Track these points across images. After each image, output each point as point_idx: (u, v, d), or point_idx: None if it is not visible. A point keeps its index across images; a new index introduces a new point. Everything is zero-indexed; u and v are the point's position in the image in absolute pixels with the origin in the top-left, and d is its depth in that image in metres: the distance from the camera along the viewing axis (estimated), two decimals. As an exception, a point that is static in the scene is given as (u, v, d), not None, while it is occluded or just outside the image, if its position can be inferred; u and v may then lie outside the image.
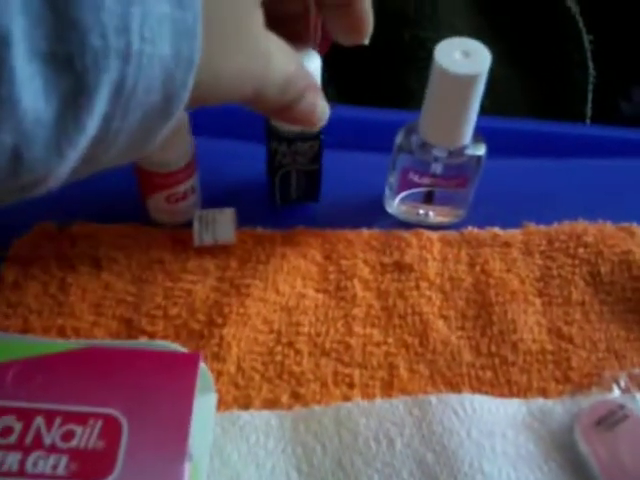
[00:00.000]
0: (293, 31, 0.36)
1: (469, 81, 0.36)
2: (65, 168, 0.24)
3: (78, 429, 0.30)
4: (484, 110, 0.62)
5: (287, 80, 0.31)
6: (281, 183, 0.43)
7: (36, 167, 0.23)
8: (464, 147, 0.40)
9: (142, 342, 0.37)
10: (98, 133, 0.24)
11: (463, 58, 0.36)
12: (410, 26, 0.63)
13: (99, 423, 0.30)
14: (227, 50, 0.27)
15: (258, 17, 0.29)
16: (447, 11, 0.63)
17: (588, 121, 0.62)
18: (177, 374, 0.31)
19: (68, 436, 0.29)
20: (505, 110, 0.63)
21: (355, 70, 0.63)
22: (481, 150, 0.40)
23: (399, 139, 0.41)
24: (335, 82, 0.61)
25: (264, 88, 0.30)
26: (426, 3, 0.64)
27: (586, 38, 0.62)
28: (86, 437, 0.29)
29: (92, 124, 0.23)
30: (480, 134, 0.40)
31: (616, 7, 0.64)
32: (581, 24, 0.62)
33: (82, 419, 0.30)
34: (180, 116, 0.26)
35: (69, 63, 0.21)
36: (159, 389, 0.31)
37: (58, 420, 0.30)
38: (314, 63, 0.36)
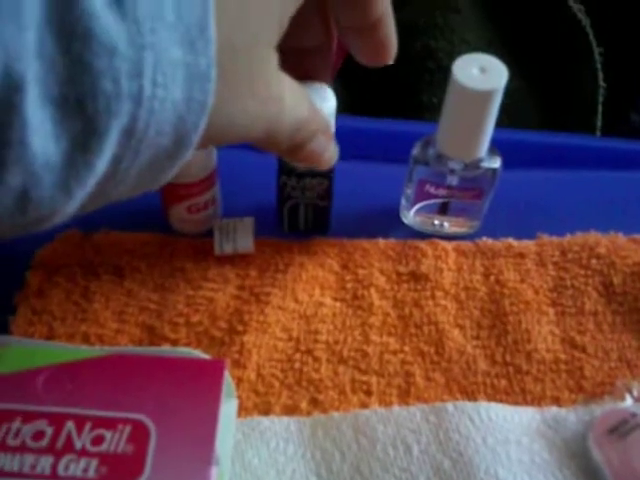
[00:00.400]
0: (310, 65, 0.36)
1: (486, 96, 0.37)
2: (72, 206, 0.24)
3: (107, 434, 0.30)
4: (496, 122, 0.63)
5: (299, 124, 0.31)
6: (289, 214, 0.44)
7: (43, 206, 0.23)
8: (480, 160, 0.41)
9: (165, 349, 0.38)
10: (107, 173, 0.24)
11: (480, 74, 0.37)
12: (421, 36, 0.64)
13: (128, 428, 0.31)
14: (240, 94, 0.28)
15: (272, 60, 0.29)
16: (457, 22, 0.64)
17: (598, 133, 0.63)
18: (203, 380, 0.32)
19: (98, 440, 0.30)
20: (517, 122, 0.64)
21: (365, 79, 0.64)
22: (496, 163, 0.41)
23: (416, 151, 0.41)
24: (345, 91, 0.63)
25: (276, 132, 0.30)
26: (437, 14, 0.65)
27: (596, 50, 0.63)
28: (115, 441, 0.30)
29: (101, 165, 0.23)
30: (495, 147, 0.41)
31: (626, 20, 0.65)
32: (591, 36, 0.63)
33: (111, 424, 0.31)
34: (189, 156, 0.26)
35: (80, 107, 0.21)
36: (186, 395, 0.32)
37: (88, 425, 0.31)
38: (329, 102, 0.36)
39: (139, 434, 0.30)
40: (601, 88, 0.63)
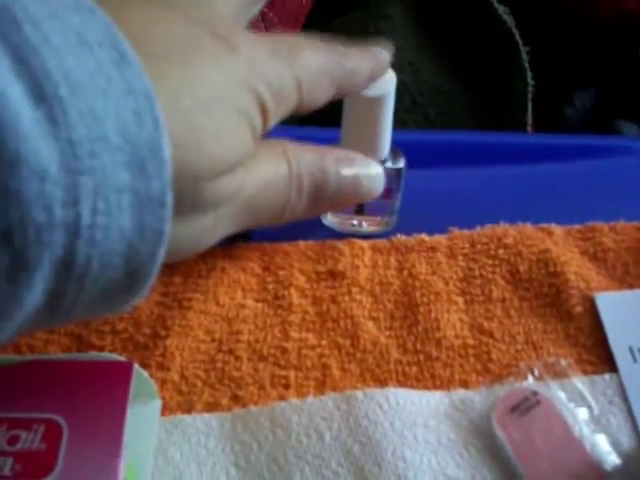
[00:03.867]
0: None
1: (378, 101, 0.39)
2: (6, 331, 0.22)
3: (23, 433, 0.33)
4: (430, 120, 0.65)
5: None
6: None
7: None
8: (383, 161, 0.43)
9: (88, 354, 0.40)
10: (46, 306, 0.22)
11: (371, 80, 0.39)
12: (354, 44, 0.67)
13: (42, 427, 0.33)
14: None
15: None
16: (388, 28, 0.67)
17: (529, 129, 0.65)
18: (112, 381, 0.35)
19: (13, 440, 0.32)
20: (451, 122, 0.66)
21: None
22: (400, 163, 0.43)
23: (325, 157, 0.44)
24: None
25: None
26: (369, 23, 0.67)
27: (523, 50, 0.65)
28: (30, 440, 0.32)
29: (33, 299, 0.21)
30: (398, 147, 0.43)
31: (552, 18, 0.68)
32: (517, 36, 0.65)
33: (27, 424, 0.33)
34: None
35: (8, 238, 0.19)
36: (96, 394, 0.34)
37: (4, 426, 0.33)
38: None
39: (52, 432, 0.33)
40: (530, 86, 0.65)
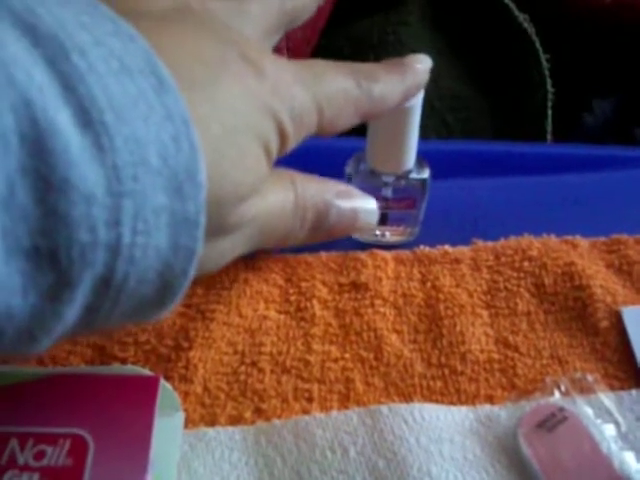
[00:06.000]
0: None
1: (405, 112, 0.39)
2: (40, 346, 0.23)
3: (49, 449, 0.32)
4: (449, 126, 0.65)
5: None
6: None
7: (5, 350, 0.22)
8: (409, 172, 0.43)
9: (112, 367, 0.40)
10: (81, 320, 0.22)
11: (398, 91, 0.39)
12: (374, 51, 0.67)
13: (67, 442, 0.33)
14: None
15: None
16: (407, 35, 0.66)
17: (549, 137, 0.65)
18: (139, 395, 0.34)
19: (40, 455, 0.32)
20: (471, 129, 0.66)
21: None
22: (425, 174, 0.43)
23: (349, 168, 0.44)
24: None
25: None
26: (389, 31, 0.67)
27: (543, 57, 0.65)
28: (56, 455, 0.32)
29: (72, 314, 0.22)
30: (424, 158, 0.43)
31: (571, 26, 0.67)
32: (537, 44, 0.65)
33: (52, 439, 0.33)
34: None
35: (53, 258, 0.20)
36: (122, 409, 0.34)
37: (31, 441, 0.33)
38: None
39: (78, 448, 0.32)
40: (549, 93, 0.65)
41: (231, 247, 0.33)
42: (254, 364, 0.41)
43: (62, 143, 0.19)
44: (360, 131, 0.42)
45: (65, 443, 0.33)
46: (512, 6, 0.65)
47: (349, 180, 0.44)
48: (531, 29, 0.65)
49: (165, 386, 0.37)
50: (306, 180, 0.38)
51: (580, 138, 0.70)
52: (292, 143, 0.32)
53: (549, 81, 0.65)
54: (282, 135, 0.31)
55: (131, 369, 0.38)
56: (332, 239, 0.43)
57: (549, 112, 0.65)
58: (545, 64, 0.65)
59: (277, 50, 0.57)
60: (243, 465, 0.38)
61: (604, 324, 0.42)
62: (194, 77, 0.26)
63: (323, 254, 0.46)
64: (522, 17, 0.65)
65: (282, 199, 0.35)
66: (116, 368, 0.39)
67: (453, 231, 0.47)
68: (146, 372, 0.38)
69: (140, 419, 0.34)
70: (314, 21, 0.64)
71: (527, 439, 0.38)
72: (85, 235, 0.20)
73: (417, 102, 0.39)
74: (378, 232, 0.47)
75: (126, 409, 0.34)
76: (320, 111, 0.33)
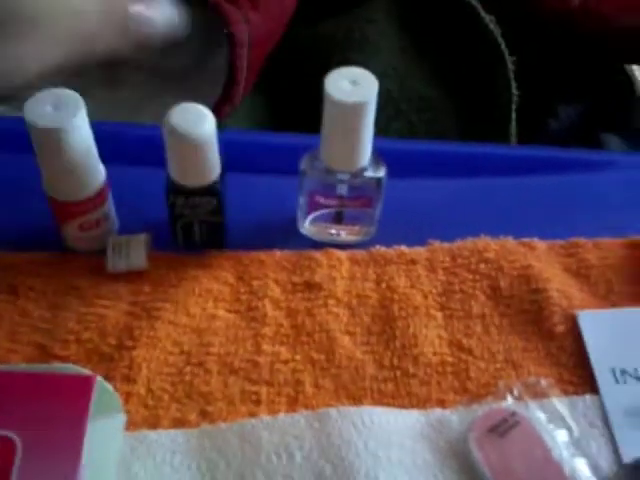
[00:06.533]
0: None
1: (358, 108, 0.38)
2: None
3: (-26, 451, 0.31)
4: (414, 126, 0.64)
5: None
6: (183, 232, 0.44)
7: None
8: (364, 169, 0.42)
9: (50, 366, 0.38)
10: None
11: (352, 86, 0.38)
12: (339, 49, 0.66)
13: (-6, 444, 0.31)
14: None
15: None
16: (372, 32, 0.65)
17: (513, 140, 0.64)
18: (73, 395, 0.33)
19: (-35, 457, 0.31)
20: (435, 129, 0.65)
21: (284, 92, 0.65)
22: (381, 172, 0.42)
23: (303, 164, 0.42)
24: (264, 104, 0.64)
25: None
26: (355, 28, 0.66)
27: (509, 59, 0.64)
28: (-19, 458, 0.31)
29: None
30: (381, 157, 0.42)
31: (537, 29, 0.67)
32: (503, 46, 0.64)
33: (-21, 441, 0.31)
34: None
35: None
36: (54, 410, 0.32)
37: (-44, 442, 0.31)
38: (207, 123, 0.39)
39: (4, 450, 0.31)
40: (514, 96, 0.64)
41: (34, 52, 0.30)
42: (200, 365, 0.40)
43: None
44: (314, 128, 0.41)
45: (-8, 445, 0.31)
46: (479, 7, 0.64)
47: (304, 176, 0.43)
48: (497, 30, 0.64)
49: (105, 386, 0.35)
50: None
51: (545, 142, 0.70)
52: None
53: (514, 84, 0.64)
54: None
55: (69, 368, 0.36)
56: None
57: (513, 115, 0.64)
58: (510, 66, 0.64)
59: (239, 45, 0.55)
60: (185, 469, 0.37)
61: (560, 328, 0.42)
62: None
63: (277, 252, 0.45)
64: (488, 18, 0.64)
65: None
66: (54, 367, 0.37)
67: (410, 231, 0.46)
68: (84, 371, 0.36)
69: (72, 421, 0.32)
70: (278, 15, 0.63)
71: (478, 444, 0.37)
72: None
73: (371, 97, 0.38)
74: (334, 231, 0.46)
75: (58, 410, 0.32)
76: None
